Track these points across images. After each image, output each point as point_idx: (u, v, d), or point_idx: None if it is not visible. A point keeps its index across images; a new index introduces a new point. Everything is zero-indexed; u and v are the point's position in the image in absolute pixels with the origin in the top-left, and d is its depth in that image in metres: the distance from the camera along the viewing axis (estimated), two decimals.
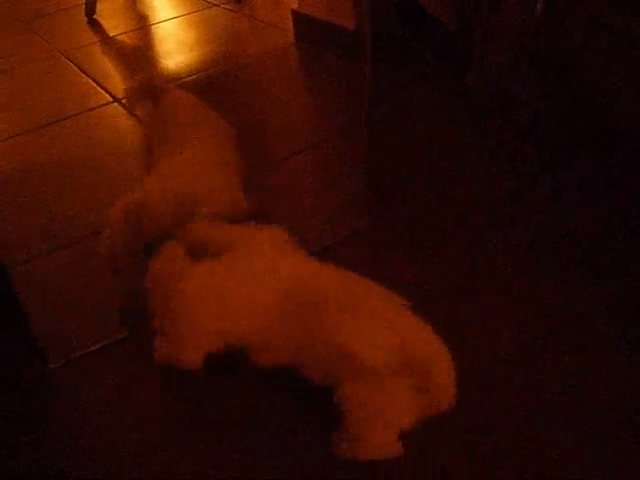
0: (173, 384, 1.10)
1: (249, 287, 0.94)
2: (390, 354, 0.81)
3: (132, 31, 2.67)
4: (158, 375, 1.12)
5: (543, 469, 0.91)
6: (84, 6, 2.82)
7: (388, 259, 1.29)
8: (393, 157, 1.61)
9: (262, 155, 1.52)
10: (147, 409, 1.07)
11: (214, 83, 2.12)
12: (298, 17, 2.28)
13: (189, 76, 2.20)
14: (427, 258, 1.28)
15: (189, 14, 2.75)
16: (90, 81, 2.25)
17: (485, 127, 1.66)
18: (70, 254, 1.44)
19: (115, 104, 2.07)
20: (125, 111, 2.02)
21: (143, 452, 1.00)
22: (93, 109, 2.05)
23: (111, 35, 2.65)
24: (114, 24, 2.76)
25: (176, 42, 2.54)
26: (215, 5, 2.76)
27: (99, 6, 2.82)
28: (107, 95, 2.12)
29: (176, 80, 2.15)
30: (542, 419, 0.96)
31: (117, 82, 2.26)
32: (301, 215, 1.44)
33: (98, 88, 2.18)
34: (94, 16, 2.81)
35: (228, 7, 2.72)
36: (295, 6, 2.28)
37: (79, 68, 2.36)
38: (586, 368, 1.03)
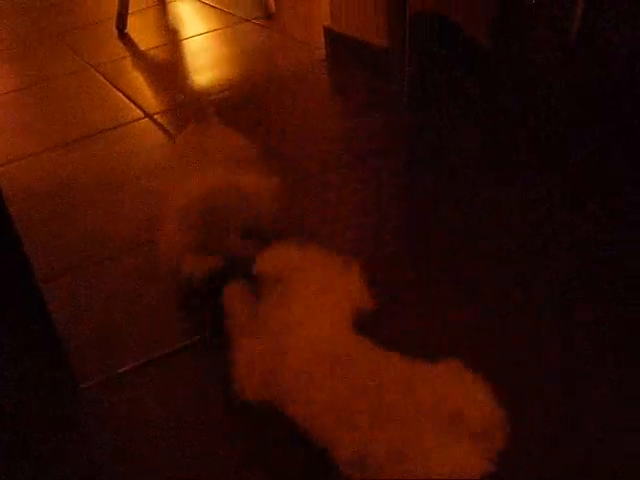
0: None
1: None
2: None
3: (163, 45, 2.68)
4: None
5: None
6: (115, 20, 2.84)
7: (417, 284, 1.25)
8: (432, 172, 1.59)
9: (294, 172, 1.49)
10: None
11: (244, 100, 2.11)
12: (330, 34, 2.27)
13: (220, 92, 2.19)
14: (459, 292, 1.23)
15: (220, 29, 2.75)
16: (121, 96, 2.25)
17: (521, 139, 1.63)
18: (102, 270, 1.42)
19: (147, 119, 2.06)
20: (157, 127, 2.02)
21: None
22: (125, 124, 2.05)
23: (142, 49, 2.66)
24: (145, 38, 2.78)
25: (207, 57, 2.53)
26: (246, 20, 2.77)
27: (130, 20, 2.84)
28: (139, 110, 2.12)
29: (207, 96, 2.15)
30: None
31: (149, 97, 2.27)
32: (333, 233, 1.42)
33: (130, 103, 2.19)
34: (125, 30, 2.84)
35: (259, 22, 2.72)
36: (327, 22, 2.27)
37: (110, 83, 2.36)
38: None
